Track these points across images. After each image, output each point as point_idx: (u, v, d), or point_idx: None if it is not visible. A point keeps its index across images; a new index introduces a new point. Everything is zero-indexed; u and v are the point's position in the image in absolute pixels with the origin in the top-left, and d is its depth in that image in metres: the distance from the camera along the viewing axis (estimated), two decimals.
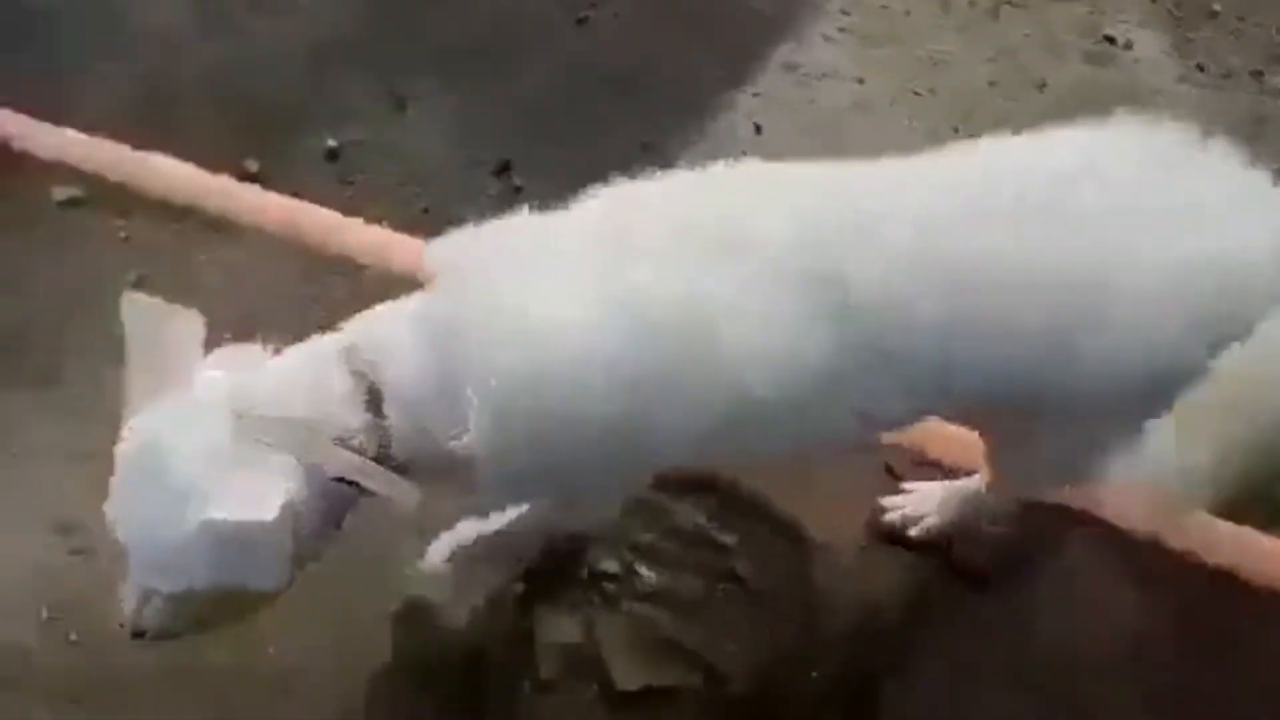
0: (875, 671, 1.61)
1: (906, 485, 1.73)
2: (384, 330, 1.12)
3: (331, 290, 1.99)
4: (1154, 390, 1.14)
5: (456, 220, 2.05)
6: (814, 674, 1.60)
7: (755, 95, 2.27)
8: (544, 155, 2.20)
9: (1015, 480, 1.52)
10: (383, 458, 1.07)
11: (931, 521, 1.66)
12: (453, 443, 1.05)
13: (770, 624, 1.64)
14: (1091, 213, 1.06)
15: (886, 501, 1.72)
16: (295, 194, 2.16)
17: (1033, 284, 1.05)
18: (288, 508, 0.97)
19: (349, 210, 2.14)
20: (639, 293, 1.05)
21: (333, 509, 1.09)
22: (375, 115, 2.31)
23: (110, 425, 1.08)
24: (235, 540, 0.97)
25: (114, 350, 1.92)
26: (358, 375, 1.08)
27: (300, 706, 1.59)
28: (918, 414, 1.25)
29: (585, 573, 1.70)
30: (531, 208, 1.11)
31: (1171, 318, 1.04)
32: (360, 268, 2.04)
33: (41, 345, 2.00)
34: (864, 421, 1.14)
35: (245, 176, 2.19)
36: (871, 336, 1.06)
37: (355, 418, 1.06)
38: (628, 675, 1.62)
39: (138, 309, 1.08)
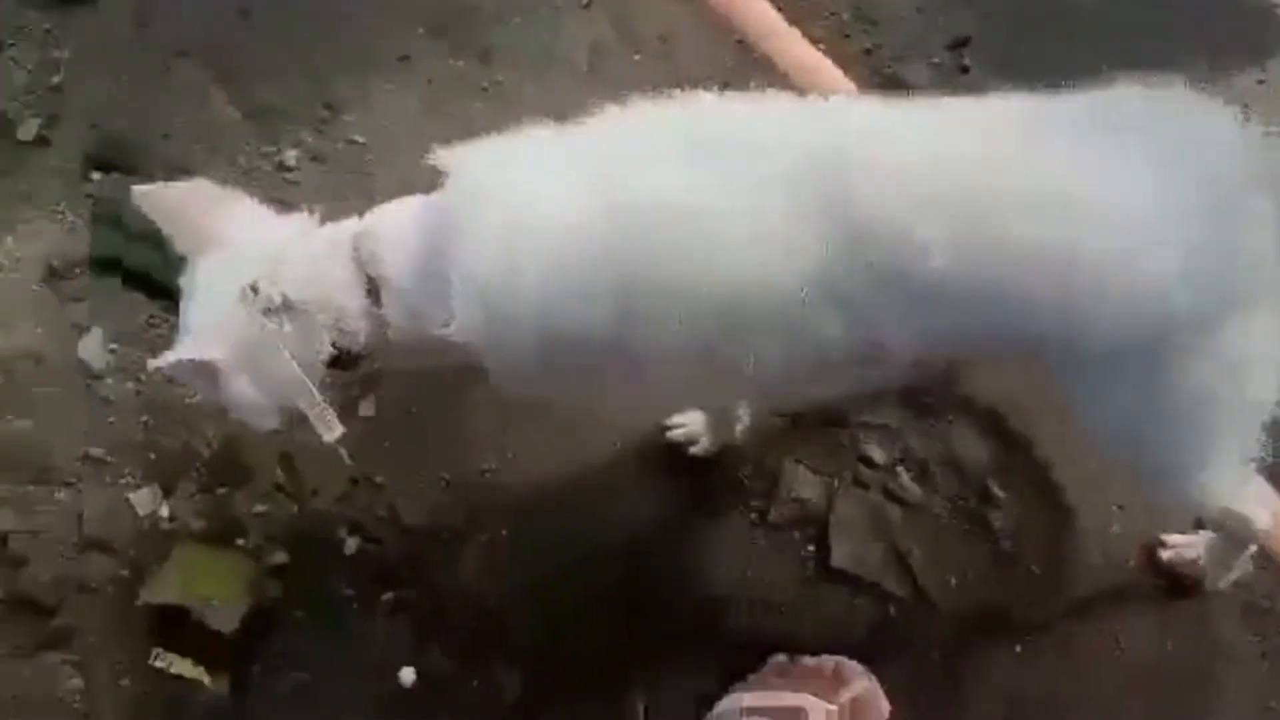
0: (1077, 683, 1.60)
1: (1199, 531, 1.64)
2: (391, 223, 1.19)
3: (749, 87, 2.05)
4: (1161, 341, 1.09)
5: (890, 74, 2.10)
6: (1018, 648, 1.61)
7: (1261, 82, 2.05)
8: (1005, 51, 2.11)
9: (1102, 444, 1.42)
10: (379, 344, 1.19)
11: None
12: (442, 331, 1.12)
13: (1000, 584, 1.65)
14: (1091, 161, 1.07)
15: (1170, 538, 1.64)
16: None
17: (1031, 224, 1.05)
18: (206, 368, 1.11)
19: (793, 19, 2.16)
20: (632, 192, 1.07)
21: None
22: None
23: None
24: (203, 380, 1.14)
25: (541, 56, 2.14)
26: (359, 264, 1.16)
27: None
28: (923, 342, 1.14)
29: (849, 446, 1.75)
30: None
31: (1161, 261, 1.04)
32: (782, 77, 2.08)
33: (483, 25, 2.20)
34: (865, 347, 1.12)
35: None
36: (871, 255, 1.06)
37: (354, 302, 1.16)
38: (844, 555, 1.68)
39: (149, 198, 1.19)
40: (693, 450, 1.72)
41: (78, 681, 1.67)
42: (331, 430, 1.19)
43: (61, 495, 1.79)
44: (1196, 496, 1.33)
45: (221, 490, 1.79)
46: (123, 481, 1.80)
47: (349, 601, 1.70)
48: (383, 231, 1.19)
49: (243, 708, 1.64)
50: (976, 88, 1.96)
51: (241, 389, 1.15)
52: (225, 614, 1.63)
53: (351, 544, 1.74)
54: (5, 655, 1.67)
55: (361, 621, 1.69)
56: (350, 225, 1.22)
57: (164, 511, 1.78)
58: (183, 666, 1.64)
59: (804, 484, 1.73)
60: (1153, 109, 1.12)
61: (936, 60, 2.11)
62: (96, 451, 1.82)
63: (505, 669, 1.64)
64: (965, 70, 2.09)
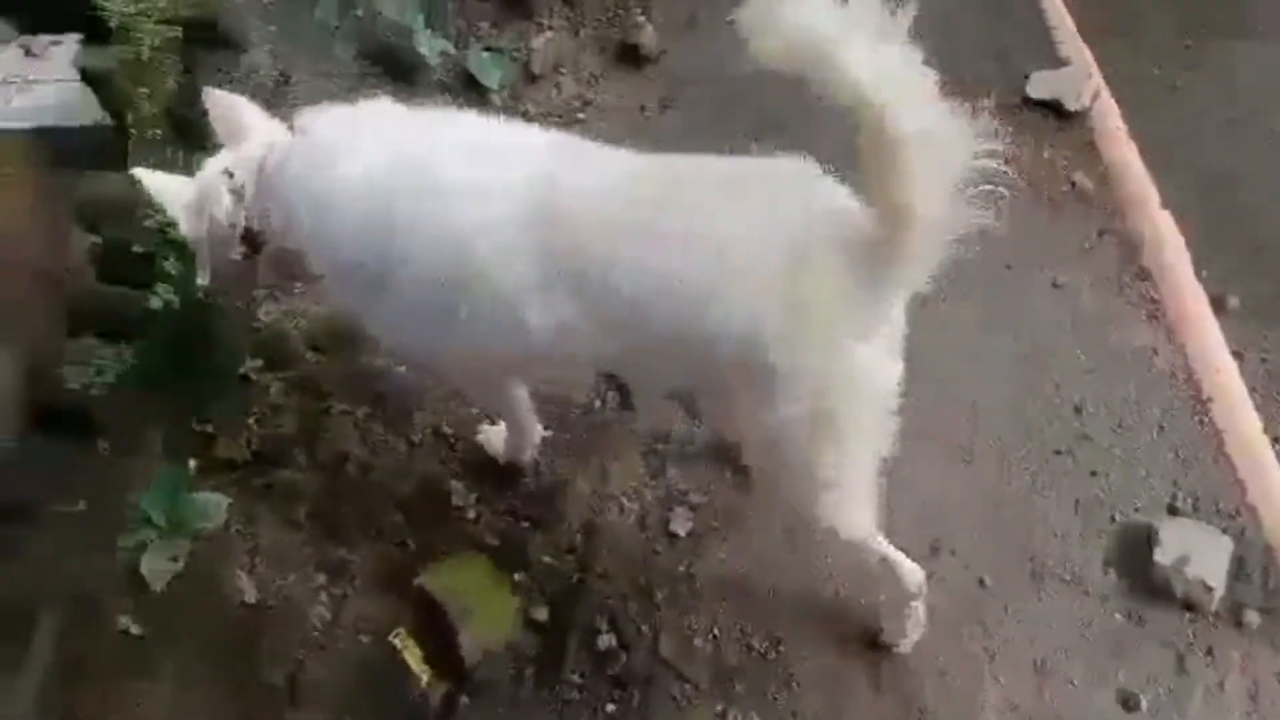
0: None
1: None
2: (271, 148, 1.56)
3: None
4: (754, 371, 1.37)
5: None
6: None
7: None
8: None
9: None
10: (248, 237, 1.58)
11: None
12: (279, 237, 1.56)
13: None
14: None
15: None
16: None
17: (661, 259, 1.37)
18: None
19: None
20: (415, 171, 1.45)
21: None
22: None
23: None
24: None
25: None
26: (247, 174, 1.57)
27: None
28: (595, 345, 1.46)
29: None
30: None
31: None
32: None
33: None
34: (556, 336, 1.43)
35: None
36: (564, 264, 1.40)
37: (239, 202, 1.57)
38: None
39: (212, 98, 1.64)
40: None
41: (326, 613, 1.81)
42: (204, 278, 1.64)
43: (402, 447, 1.98)
44: (825, 514, 1.54)
45: (525, 523, 1.90)
46: (452, 465, 1.96)
47: (575, 688, 1.75)
48: (265, 158, 1.56)
49: None
50: None
51: (192, 230, 1.61)
52: (475, 643, 1.73)
53: (605, 640, 1.79)
54: (325, 561, 1.85)
55: (577, 713, 1.73)
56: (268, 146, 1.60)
57: (471, 513, 1.91)
58: (413, 657, 1.73)
59: None
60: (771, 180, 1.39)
61: None
62: (447, 429, 2.00)
63: None
64: None
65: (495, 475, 1.95)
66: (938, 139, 1.20)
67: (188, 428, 1.94)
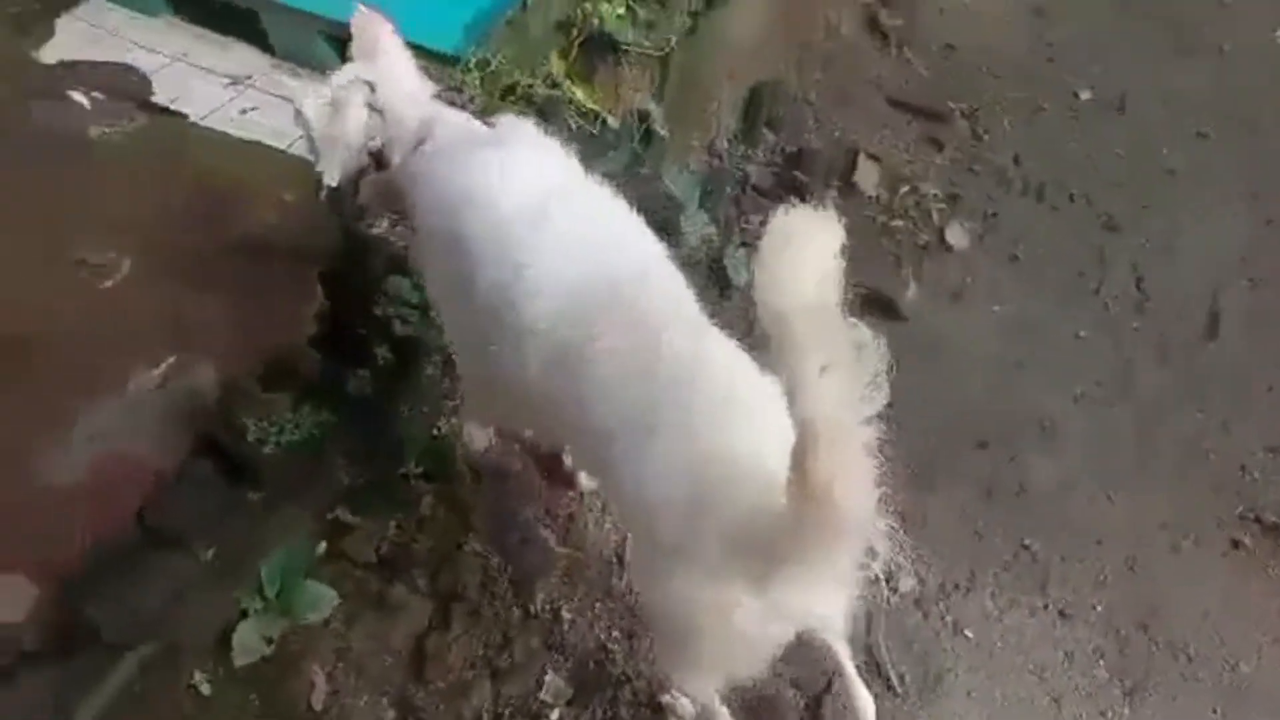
0: None
1: None
2: (443, 124, 1.82)
3: None
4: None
5: None
6: None
7: None
8: None
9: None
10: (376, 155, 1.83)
11: None
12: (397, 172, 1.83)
13: None
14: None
15: None
16: None
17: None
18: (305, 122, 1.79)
19: None
20: (535, 201, 1.65)
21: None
22: None
23: None
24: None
25: None
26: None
27: None
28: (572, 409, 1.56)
29: None
30: None
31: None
32: None
33: None
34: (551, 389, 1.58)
35: None
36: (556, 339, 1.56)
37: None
38: None
39: (361, 15, 1.86)
40: None
41: None
42: (331, 177, 1.79)
43: (516, 613, 1.99)
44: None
45: None
46: (556, 655, 1.96)
47: None
48: (403, 98, 1.82)
49: None
50: None
51: (307, 128, 1.79)
52: None
53: None
54: (401, 699, 1.88)
55: None
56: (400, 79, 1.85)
57: (555, 715, 1.89)
58: None
59: None
60: None
61: None
62: (567, 614, 2.01)
63: None
64: None
65: (595, 682, 1.93)
66: (850, 496, 1.17)
67: (332, 509, 2.01)
